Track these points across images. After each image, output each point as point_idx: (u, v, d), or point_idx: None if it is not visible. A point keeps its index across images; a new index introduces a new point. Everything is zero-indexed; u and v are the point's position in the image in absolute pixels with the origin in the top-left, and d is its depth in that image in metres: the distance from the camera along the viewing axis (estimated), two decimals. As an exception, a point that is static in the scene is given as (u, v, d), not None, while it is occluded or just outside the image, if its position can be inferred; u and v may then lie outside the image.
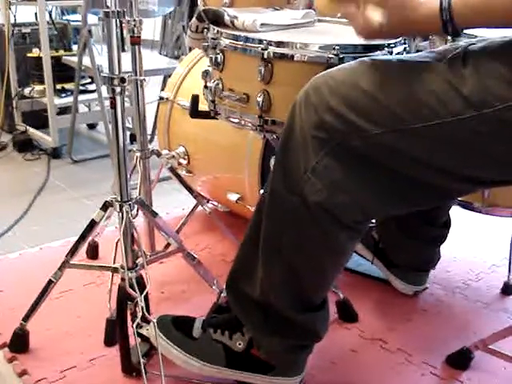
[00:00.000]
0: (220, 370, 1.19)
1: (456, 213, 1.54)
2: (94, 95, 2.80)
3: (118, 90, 1.15)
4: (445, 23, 0.87)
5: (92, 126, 3.25)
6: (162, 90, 2.00)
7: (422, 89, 0.91)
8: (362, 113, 0.94)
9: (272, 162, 1.33)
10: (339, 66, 1.03)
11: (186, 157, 1.84)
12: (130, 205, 1.24)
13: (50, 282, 1.32)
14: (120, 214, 1.23)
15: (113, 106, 1.16)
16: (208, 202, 1.95)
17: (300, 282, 1.09)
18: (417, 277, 1.59)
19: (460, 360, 1.32)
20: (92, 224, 1.33)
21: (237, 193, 1.72)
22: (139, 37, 1.42)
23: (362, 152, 0.96)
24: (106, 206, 1.30)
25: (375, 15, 0.90)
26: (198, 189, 1.85)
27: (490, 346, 1.28)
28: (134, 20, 1.39)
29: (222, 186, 1.81)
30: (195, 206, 1.78)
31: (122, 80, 1.14)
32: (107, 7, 1.12)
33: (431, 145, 0.93)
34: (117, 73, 1.14)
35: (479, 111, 0.87)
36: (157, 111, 2.51)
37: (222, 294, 1.38)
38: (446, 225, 1.55)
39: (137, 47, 1.43)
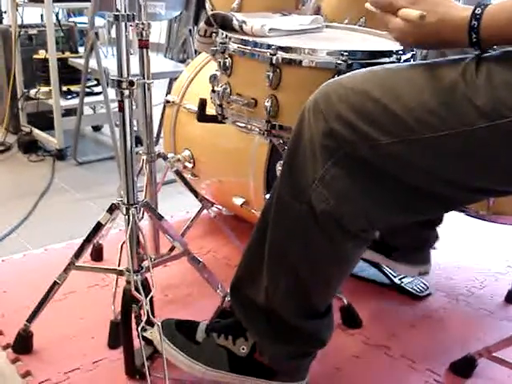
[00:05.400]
0: (223, 375, 1.19)
1: (460, 220, 1.54)
2: (100, 97, 2.81)
3: (126, 93, 1.15)
4: (471, 38, 0.87)
5: (97, 128, 3.26)
6: (169, 93, 2.00)
7: (433, 98, 0.90)
8: (372, 121, 0.93)
9: (278, 166, 1.32)
10: (349, 74, 1.02)
11: (192, 160, 1.84)
12: (136, 208, 1.24)
13: (54, 284, 1.32)
14: (126, 217, 1.23)
15: (121, 109, 1.16)
16: (213, 205, 1.95)
17: (305, 289, 1.09)
18: (418, 256, 1.56)
19: (464, 367, 1.32)
20: (98, 226, 1.33)
21: (242, 197, 1.72)
22: (147, 40, 1.43)
23: (371, 162, 0.95)
24: (112, 209, 1.30)
25: (412, 11, 0.89)
26: (202, 192, 1.85)
27: (494, 354, 1.28)
28: (143, 23, 1.40)
29: (227, 190, 1.82)
30: (200, 210, 1.77)
31: (131, 83, 1.14)
32: (117, 10, 1.13)
33: (441, 155, 0.91)
34: (125, 76, 1.15)
35: (491, 122, 0.85)
36: (162, 114, 2.52)
37: (226, 298, 1.39)
38: None
39: (145, 50, 1.44)
